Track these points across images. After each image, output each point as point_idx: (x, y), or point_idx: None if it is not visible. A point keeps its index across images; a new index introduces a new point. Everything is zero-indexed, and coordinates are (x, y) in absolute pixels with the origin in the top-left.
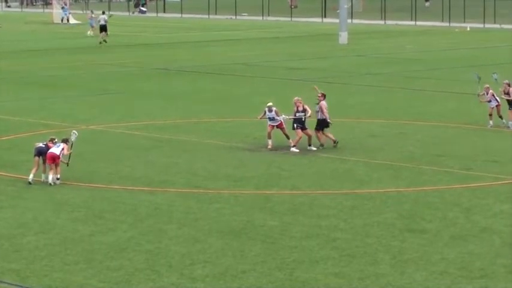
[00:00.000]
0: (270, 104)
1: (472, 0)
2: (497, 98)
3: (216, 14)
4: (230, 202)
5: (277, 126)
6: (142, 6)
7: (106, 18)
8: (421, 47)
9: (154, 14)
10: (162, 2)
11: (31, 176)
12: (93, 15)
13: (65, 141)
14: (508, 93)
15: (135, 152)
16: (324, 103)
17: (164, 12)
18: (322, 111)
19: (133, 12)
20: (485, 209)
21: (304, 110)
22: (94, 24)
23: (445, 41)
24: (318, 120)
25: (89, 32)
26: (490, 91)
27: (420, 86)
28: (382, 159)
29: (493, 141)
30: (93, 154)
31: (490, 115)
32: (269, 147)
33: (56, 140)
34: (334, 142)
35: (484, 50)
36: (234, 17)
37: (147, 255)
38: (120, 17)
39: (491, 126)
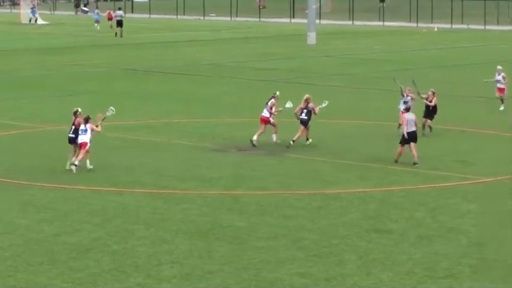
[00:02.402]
0: (278, 93)
1: (440, 0)
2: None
3: (184, 14)
4: (197, 203)
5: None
6: (85, 6)
7: (122, 14)
8: (389, 47)
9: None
10: (130, 2)
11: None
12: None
13: (87, 120)
14: (430, 102)
15: (104, 152)
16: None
17: (132, 12)
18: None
19: (76, 13)
20: (452, 209)
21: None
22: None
23: (412, 42)
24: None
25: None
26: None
27: (388, 86)
28: (350, 160)
29: (460, 142)
30: (60, 154)
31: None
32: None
33: (80, 112)
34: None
35: (451, 50)
36: (202, 18)
37: (114, 256)
38: (72, 16)
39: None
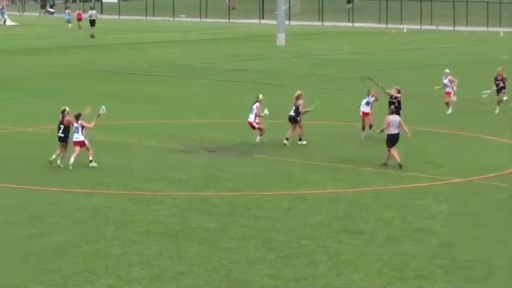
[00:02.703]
0: (261, 96)
1: (409, 2)
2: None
3: (153, 15)
4: (167, 204)
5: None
6: (51, 7)
7: (95, 13)
8: (359, 48)
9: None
10: (100, 3)
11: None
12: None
13: (78, 117)
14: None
15: (69, 155)
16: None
17: (102, 13)
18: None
19: (40, 14)
20: (421, 209)
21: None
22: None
23: (382, 43)
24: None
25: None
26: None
27: (357, 87)
28: (320, 161)
29: (430, 143)
30: (31, 156)
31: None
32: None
33: (68, 110)
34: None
35: (420, 51)
36: (171, 19)
37: (85, 257)
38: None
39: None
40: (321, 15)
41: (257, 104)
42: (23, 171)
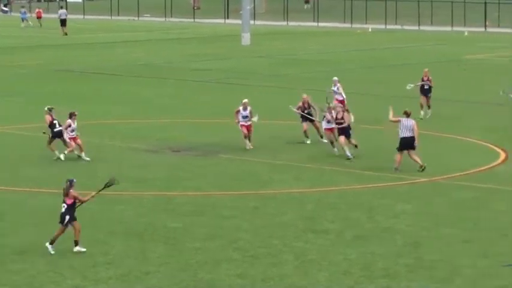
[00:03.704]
0: (245, 100)
1: (374, 1)
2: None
3: (118, 15)
4: (132, 203)
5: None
6: (5, 6)
7: (66, 12)
8: (324, 48)
9: (55, 15)
10: (64, 2)
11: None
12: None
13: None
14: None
15: (35, 154)
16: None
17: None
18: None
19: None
20: (387, 209)
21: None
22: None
23: (347, 42)
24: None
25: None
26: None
27: (322, 86)
28: (285, 160)
29: (393, 142)
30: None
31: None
32: (248, 147)
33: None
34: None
35: (385, 50)
36: (136, 18)
37: (49, 258)
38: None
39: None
40: (285, 15)
41: (249, 108)
42: None
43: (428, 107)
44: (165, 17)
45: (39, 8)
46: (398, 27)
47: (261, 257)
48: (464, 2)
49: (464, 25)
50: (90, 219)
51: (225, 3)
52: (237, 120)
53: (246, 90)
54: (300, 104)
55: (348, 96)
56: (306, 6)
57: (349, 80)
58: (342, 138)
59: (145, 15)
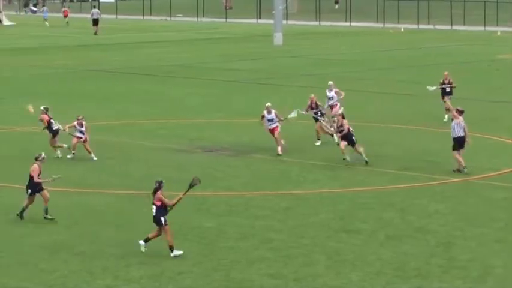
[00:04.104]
0: (268, 104)
1: (406, 1)
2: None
3: (150, 15)
4: None
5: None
6: (34, 6)
7: (98, 12)
8: (356, 48)
9: (89, 16)
10: (97, 2)
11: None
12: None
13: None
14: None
15: (66, 153)
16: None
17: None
18: None
19: (25, 12)
20: (419, 209)
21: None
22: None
23: (379, 42)
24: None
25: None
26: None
27: (354, 86)
28: (318, 160)
29: (426, 142)
30: (23, 156)
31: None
32: (278, 152)
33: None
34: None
35: (417, 50)
36: (168, 18)
37: (82, 258)
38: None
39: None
40: (318, 14)
41: (274, 111)
42: (15, 171)
43: (449, 110)
44: (197, 17)
45: (65, 8)
46: (430, 27)
47: (293, 257)
48: (497, 1)
49: (497, 25)
50: (124, 219)
51: (257, 3)
52: (264, 126)
53: (278, 90)
54: (309, 103)
55: (380, 96)
56: (336, 6)
57: (382, 80)
58: (342, 144)
59: (178, 15)
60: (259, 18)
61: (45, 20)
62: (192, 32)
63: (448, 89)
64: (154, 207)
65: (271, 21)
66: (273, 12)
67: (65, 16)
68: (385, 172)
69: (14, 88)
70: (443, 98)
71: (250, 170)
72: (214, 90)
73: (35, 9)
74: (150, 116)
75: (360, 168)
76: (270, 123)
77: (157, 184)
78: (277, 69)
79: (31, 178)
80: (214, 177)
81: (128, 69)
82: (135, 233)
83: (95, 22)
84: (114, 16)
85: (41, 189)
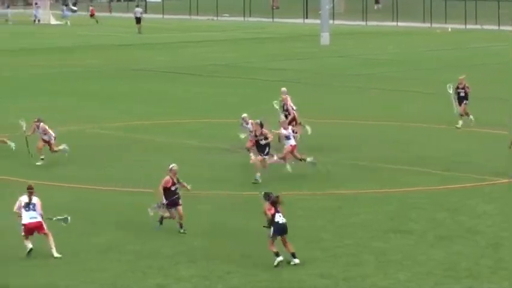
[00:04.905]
0: (244, 115)
1: (453, 1)
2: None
3: (197, 14)
4: (211, 203)
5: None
6: (74, 5)
7: (141, 11)
8: (402, 48)
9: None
10: (144, 2)
11: None
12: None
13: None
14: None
15: (113, 152)
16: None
17: (146, 12)
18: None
19: (62, 11)
20: (469, 209)
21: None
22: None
23: (426, 42)
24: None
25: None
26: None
27: (400, 86)
28: (366, 160)
29: (467, 142)
30: (70, 155)
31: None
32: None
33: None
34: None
35: (464, 50)
36: (215, 18)
37: (132, 257)
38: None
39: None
40: (364, 14)
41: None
42: (63, 169)
43: (467, 114)
44: (244, 16)
45: (92, 7)
46: (478, 27)
47: (342, 257)
48: None
49: None
50: (171, 221)
51: (304, 3)
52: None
53: (325, 90)
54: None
55: (424, 97)
56: (376, 6)
57: (427, 80)
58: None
59: (224, 14)
60: (306, 18)
61: (63, 18)
62: (238, 31)
63: (462, 94)
64: (279, 215)
65: (318, 21)
66: (320, 12)
67: (92, 15)
68: (430, 172)
69: (57, 86)
70: (459, 103)
71: (296, 170)
72: (259, 90)
73: (75, 8)
74: (193, 116)
75: (408, 168)
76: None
77: (275, 197)
78: (323, 69)
79: (165, 190)
80: (263, 178)
81: (171, 68)
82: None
83: (138, 21)
84: (160, 16)
85: (177, 203)
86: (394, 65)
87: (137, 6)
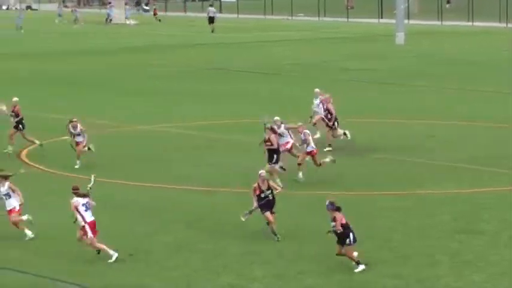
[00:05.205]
0: (300, 123)
1: None
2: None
3: (272, 14)
4: (285, 203)
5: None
6: (146, 5)
7: (214, 10)
8: (478, 47)
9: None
10: (219, 2)
11: None
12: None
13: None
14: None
15: (190, 152)
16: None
17: (220, 12)
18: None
19: (137, 11)
20: None
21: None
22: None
23: (502, 42)
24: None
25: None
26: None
27: (476, 86)
28: (441, 160)
29: None
30: (147, 154)
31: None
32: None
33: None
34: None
35: None
36: (290, 18)
37: (203, 256)
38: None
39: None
40: (439, 14)
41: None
42: (140, 168)
43: None
44: (319, 16)
45: (155, 7)
46: None
47: (414, 257)
48: None
49: None
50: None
51: (379, 3)
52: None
53: (401, 90)
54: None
55: (505, 97)
56: (448, 5)
57: (506, 82)
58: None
59: (299, 14)
60: (381, 17)
61: (110, 18)
62: (313, 31)
63: None
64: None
65: (393, 21)
66: (395, 11)
67: (155, 14)
68: (509, 173)
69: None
70: None
71: (371, 170)
72: (334, 90)
73: (147, 8)
74: (272, 115)
75: (485, 169)
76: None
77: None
78: (399, 69)
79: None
80: (334, 177)
81: (248, 68)
82: (257, 232)
83: (211, 20)
84: (235, 15)
85: (267, 209)
86: (469, 65)
87: (211, 5)
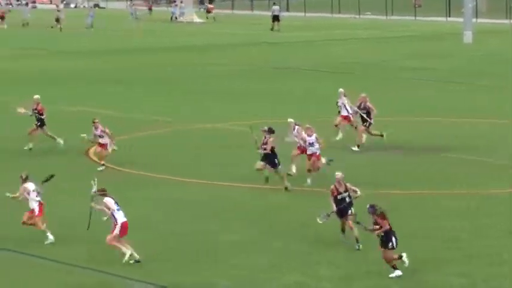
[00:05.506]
0: (308, 126)
1: None
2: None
3: (339, 12)
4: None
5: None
6: (210, 3)
7: (279, 9)
8: None
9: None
10: (286, 1)
11: None
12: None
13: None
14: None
15: (250, 150)
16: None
17: (287, 11)
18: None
19: (199, 9)
20: None
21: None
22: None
23: None
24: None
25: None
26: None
27: None
28: (506, 160)
29: None
30: (210, 152)
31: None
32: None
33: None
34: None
35: None
36: (357, 16)
37: (268, 254)
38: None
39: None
40: (508, 13)
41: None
42: (201, 166)
43: None
44: (386, 15)
45: (210, 5)
46: None
47: (480, 257)
48: None
49: None
50: (307, 216)
51: (446, 1)
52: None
53: (468, 89)
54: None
55: None
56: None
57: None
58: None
59: (367, 13)
60: (449, 16)
61: (175, 16)
62: (380, 30)
63: None
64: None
65: (461, 20)
66: (463, 10)
67: (208, 12)
68: None
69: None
70: None
71: (435, 169)
72: (398, 89)
73: (211, 6)
74: (330, 114)
75: None
76: (310, 147)
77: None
78: (460, 68)
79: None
80: (401, 177)
81: (313, 66)
82: (320, 230)
83: (275, 18)
84: (302, 14)
85: (345, 213)
86: None
87: (274, 4)
